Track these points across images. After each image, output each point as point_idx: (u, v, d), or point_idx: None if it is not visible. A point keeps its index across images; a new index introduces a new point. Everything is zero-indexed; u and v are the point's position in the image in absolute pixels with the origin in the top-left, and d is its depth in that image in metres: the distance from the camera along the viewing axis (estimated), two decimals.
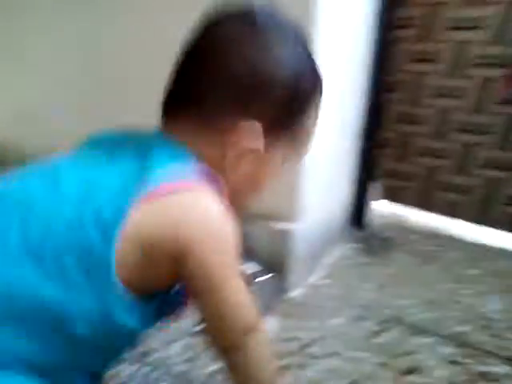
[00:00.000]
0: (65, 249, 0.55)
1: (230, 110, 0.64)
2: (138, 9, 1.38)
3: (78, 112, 1.56)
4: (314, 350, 1.11)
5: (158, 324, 0.68)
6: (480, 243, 1.65)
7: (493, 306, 1.31)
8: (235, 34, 0.64)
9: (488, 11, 1.49)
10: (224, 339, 0.66)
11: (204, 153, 0.65)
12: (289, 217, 1.24)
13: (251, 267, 1.26)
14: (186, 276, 0.61)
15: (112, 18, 1.43)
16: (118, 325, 0.59)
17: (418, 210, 1.78)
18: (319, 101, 0.71)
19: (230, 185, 0.67)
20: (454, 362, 1.09)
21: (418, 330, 1.20)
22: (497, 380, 1.05)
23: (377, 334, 1.18)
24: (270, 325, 1.17)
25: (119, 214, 0.56)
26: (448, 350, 1.13)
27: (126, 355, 0.91)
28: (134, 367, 1.02)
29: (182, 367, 1.04)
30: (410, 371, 1.06)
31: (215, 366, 1.01)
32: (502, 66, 1.51)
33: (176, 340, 1.12)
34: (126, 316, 0.59)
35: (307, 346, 1.12)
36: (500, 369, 1.08)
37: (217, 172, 0.65)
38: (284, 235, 1.24)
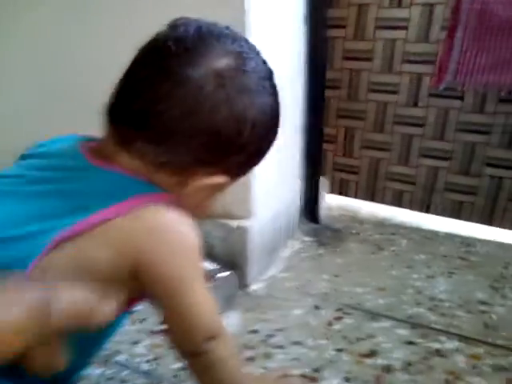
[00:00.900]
0: None
1: (194, 157, 0.61)
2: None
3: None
4: (278, 340, 1.14)
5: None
6: (426, 229, 1.73)
7: (441, 287, 1.38)
8: (207, 79, 0.59)
9: (412, 12, 1.58)
10: (186, 345, 0.66)
11: (155, 179, 0.62)
12: (243, 214, 1.26)
13: (210, 265, 1.26)
14: (147, 284, 0.60)
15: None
16: None
17: (366, 202, 1.85)
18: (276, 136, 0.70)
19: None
20: (410, 343, 1.14)
21: (374, 315, 1.24)
22: (449, 355, 1.11)
23: (335, 321, 1.22)
24: (232, 319, 1.19)
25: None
26: (404, 331, 1.18)
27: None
28: (101, 369, 1.01)
29: (150, 366, 1.03)
30: (370, 354, 1.11)
31: (182, 364, 1.01)
32: (429, 62, 1.60)
33: (141, 340, 1.11)
34: None
35: (270, 336, 1.14)
36: (451, 344, 1.14)
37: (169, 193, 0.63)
38: (239, 232, 1.25)
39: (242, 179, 1.23)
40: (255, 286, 1.32)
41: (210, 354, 0.65)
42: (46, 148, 0.68)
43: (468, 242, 1.64)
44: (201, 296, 0.63)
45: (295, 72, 1.51)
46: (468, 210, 1.70)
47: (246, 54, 0.62)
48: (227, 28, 0.63)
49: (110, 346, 1.08)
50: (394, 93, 1.69)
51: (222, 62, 0.59)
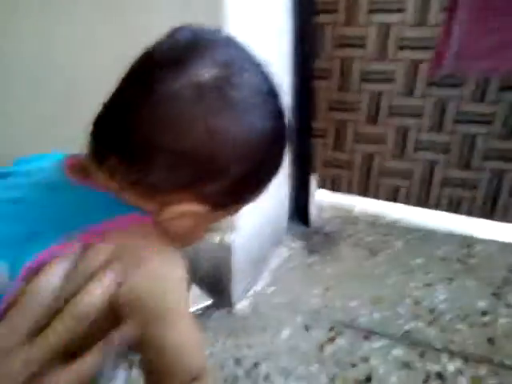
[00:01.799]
0: None
1: (165, 180, 0.54)
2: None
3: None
4: (264, 370, 1.04)
5: None
6: (423, 228, 1.63)
7: (439, 295, 1.29)
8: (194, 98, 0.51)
9: None
10: None
11: (130, 200, 0.55)
12: (225, 227, 1.15)
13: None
14: (124, 321, 0.52)
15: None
16: None
17: (359, 198, 1.74)
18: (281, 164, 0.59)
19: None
20: (407, 365, 1.06)
21: (368, 332, 1.15)
22: (450, 377, 1.03)
23: (327, 342, 1.13)
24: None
25: None
26: (400, 351, 1.10)
27: None
28: None
29: None
30: (365, 381, 1.02)
31: None
32: (426, 48, 1.47)
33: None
34: None
35: (256, 366, 1.05)
36: (452, 366, 1.06)
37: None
38: (222, 248, 1.15)
39: None
40: (240, 305, 1.22)
41: None
42: (24, 165, 0.63)
43: (468, 242, 1.54)
44: (184, 332, 0.57)
45: (281, 62, 1.38)
46: (468, 205, 1.60)
47: (238, 64, 0.53)
48: (225, 36, 0.55)
49: None
50: (388, 82, 1.56)
51: (206, 73, 0.51)
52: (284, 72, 1.40)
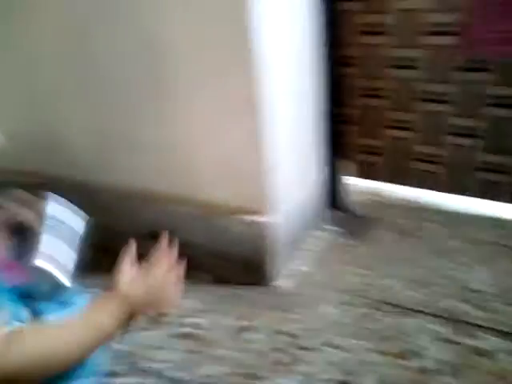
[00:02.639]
0: None
1: None
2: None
3: None
4: (305, 342, 1.08)
5: None
6: (455, 211, 1.64)
7: (477, 275, 1.30)
8: None
9: None
10: None
11: None
12: (263, 209, 1.19)
13: None
14: None
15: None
16: None
17: (391, 184, 1.76)
18: None
19: None
20: (446, 340, 1.08)
21: (407, 310, 1.18)
22: (489, 354, 1.04)
23: (366, 318, 1.16)
24: None
25: None
26: (439, 327, 1.12)
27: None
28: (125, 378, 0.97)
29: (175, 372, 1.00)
30: (405, 354, 1.05)
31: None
32: (452, 33, 1.48)
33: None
34: None
35: (299, 338, 1.09)
36: (491, 342, 1.08)
37: None
38: (261, 227, 1.19)
39: (259, 171, 1.17)
40: (280, 282, 1.26)
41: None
42: None
43: (503, 225, 1.54)
44: None
45: (308, 49, 1.41)
46: (500, 189, 1.60)
47: None
48: None
49: (131, 351, 1.04)
50: (415, 68, 1.57)
51: None
52: (312, 59, 1.43)
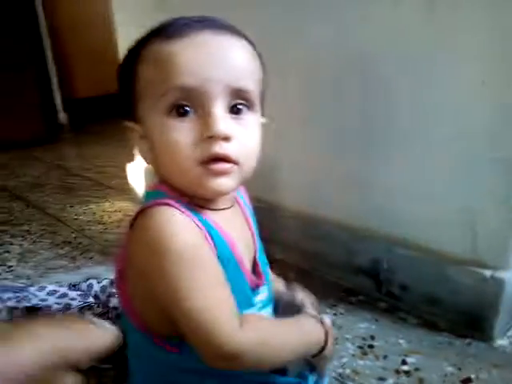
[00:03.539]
0: None
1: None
2: None
3: None
4: None
5: None
6: None
7: None
8: None
9: None
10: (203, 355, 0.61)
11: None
12: (498, 264, 1.19)
13: None
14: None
15: None
16: None
17: None
18: None
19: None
20: None
21: None
22: None
23: None
24: None
25: None
26: None
27: None
28: None
29: None
30: None
31: None
32: None
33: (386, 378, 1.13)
34: None
35: None
36: None
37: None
38: (493, 283, 1.18)
39: (500, 227, 1.13)
40: (502, 342, 1.25)
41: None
42: None
43: None
44: (206, 301, 0.59)
45: None
46: None
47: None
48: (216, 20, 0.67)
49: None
50: None
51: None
52: None
